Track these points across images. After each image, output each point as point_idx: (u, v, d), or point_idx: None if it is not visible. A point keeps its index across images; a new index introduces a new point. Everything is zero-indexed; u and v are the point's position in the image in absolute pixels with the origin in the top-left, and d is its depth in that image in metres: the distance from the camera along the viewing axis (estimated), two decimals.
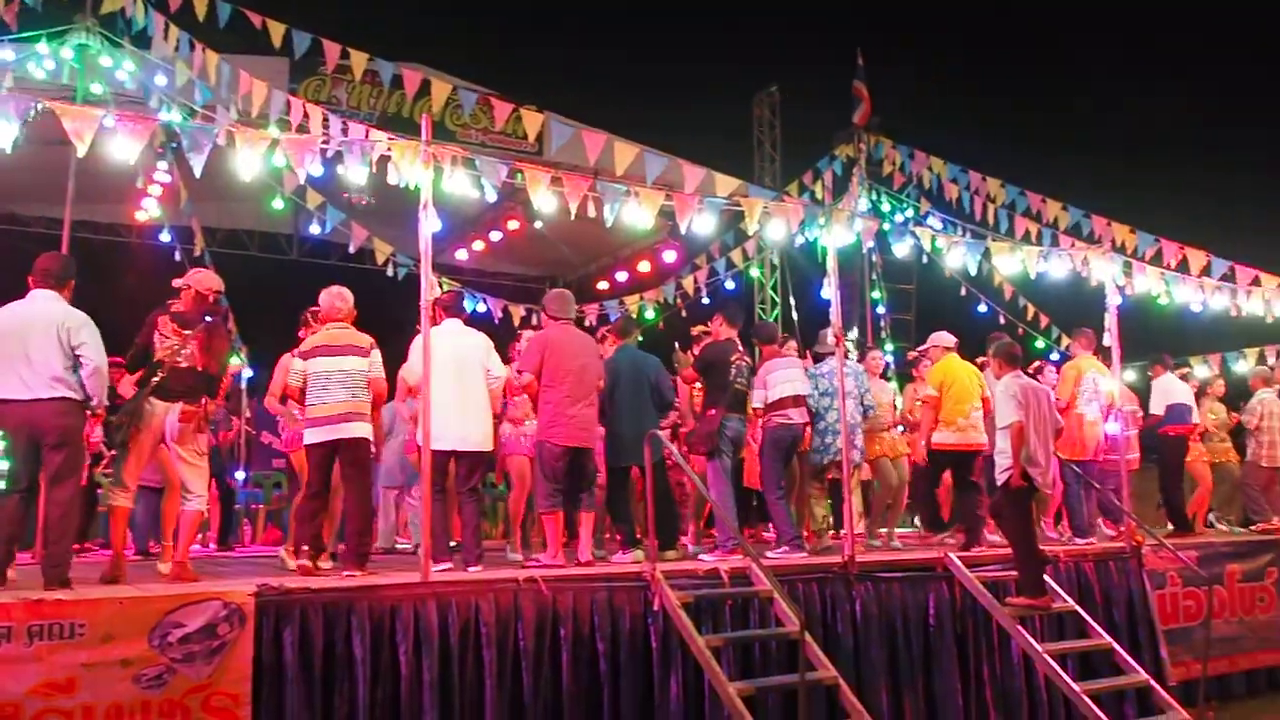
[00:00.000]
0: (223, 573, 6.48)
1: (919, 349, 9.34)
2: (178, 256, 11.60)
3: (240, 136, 5.69)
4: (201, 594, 4.59)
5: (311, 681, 4.78)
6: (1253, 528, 9.86)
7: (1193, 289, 8.97)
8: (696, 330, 8.91)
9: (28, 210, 13.87)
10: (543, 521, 6.93)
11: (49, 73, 9.23)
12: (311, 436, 6.25)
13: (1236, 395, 10.96)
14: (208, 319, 5.92)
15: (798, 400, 7.59)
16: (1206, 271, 9.00)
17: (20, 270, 5.59)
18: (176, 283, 6.11)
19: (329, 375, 6.19)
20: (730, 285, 13.15)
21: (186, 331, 5.83)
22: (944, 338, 8.51)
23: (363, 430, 6.24)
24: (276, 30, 8.10)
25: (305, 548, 6.41)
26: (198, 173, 5.53)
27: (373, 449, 6.70)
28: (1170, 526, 9.55)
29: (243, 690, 4.52)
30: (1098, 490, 8.67)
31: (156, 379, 5.74)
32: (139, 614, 4.40)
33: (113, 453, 6.26)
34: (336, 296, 6.45)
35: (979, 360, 9.10)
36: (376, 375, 6.37)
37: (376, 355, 6.37)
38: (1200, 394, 10.62)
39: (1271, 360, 11.08)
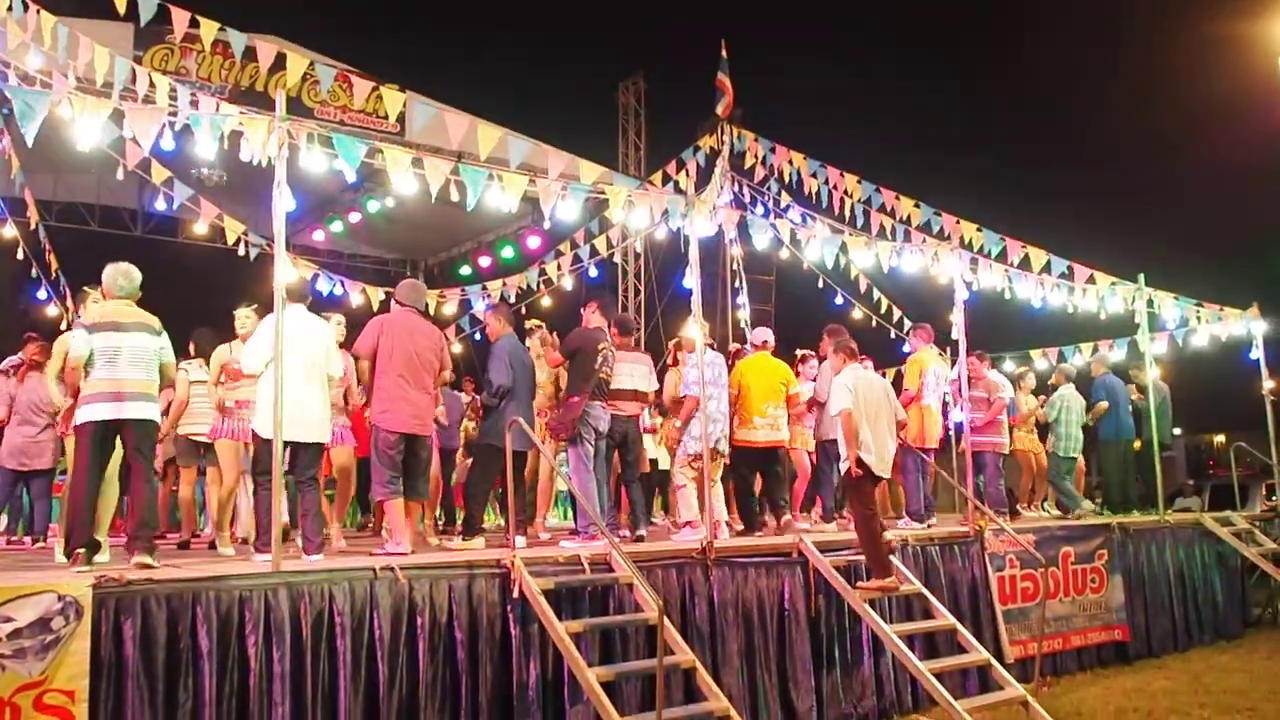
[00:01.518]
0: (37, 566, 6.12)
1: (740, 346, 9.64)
2: (9, 231, 10.88)
3: (79, 104, 5.37)
4: (33, 586, 4.32)
5: (154, 675, 4.57)
6: (1071, 515, 10.48)
7: (1034, 285, 9.48)
8: (530, 324, 8.96)
9: None
10: (383, 508, 6.84)
11: None
12: (90, 414, 5.72)
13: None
14: None
15: (636, 395, 7.81)
16: (1046, 269, 9.52)
17: None
18: None
19: (117, 351, 5.76)
20: (594, 273, 13.18)
21: None
22: (756, 334, 8.89)
23: (150, 412, 5.86)
24: None
25: (81, 551, 5.60)
26: (29, 141, 5.19)
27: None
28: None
29: (79, 686, 4.29)
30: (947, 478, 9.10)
31: None
32: None
33: None
34: (121, 273, 5.99)
35: (801, 354, 9.47)
36: (169, 359, 6.06)
37: (165, 338, 6.03)
38: (1014, 387, 11.26)
39: (1105, 353, 11.79)
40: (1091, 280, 9.90)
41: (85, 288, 6.91)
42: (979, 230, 9.60)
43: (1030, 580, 8.39)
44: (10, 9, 7.99)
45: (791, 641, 6.86)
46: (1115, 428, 11.12)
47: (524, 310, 12.63)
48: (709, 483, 7.52)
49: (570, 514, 11.52)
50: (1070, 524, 9.60)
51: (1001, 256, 9.41)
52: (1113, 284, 10.12)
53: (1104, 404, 11.08)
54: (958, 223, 9.76)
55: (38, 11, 7.90)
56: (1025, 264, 9.48)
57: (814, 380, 9.38)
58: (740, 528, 8.48)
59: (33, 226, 11.36)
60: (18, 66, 8.46)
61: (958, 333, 8.64)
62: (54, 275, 12.05)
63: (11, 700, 4.15)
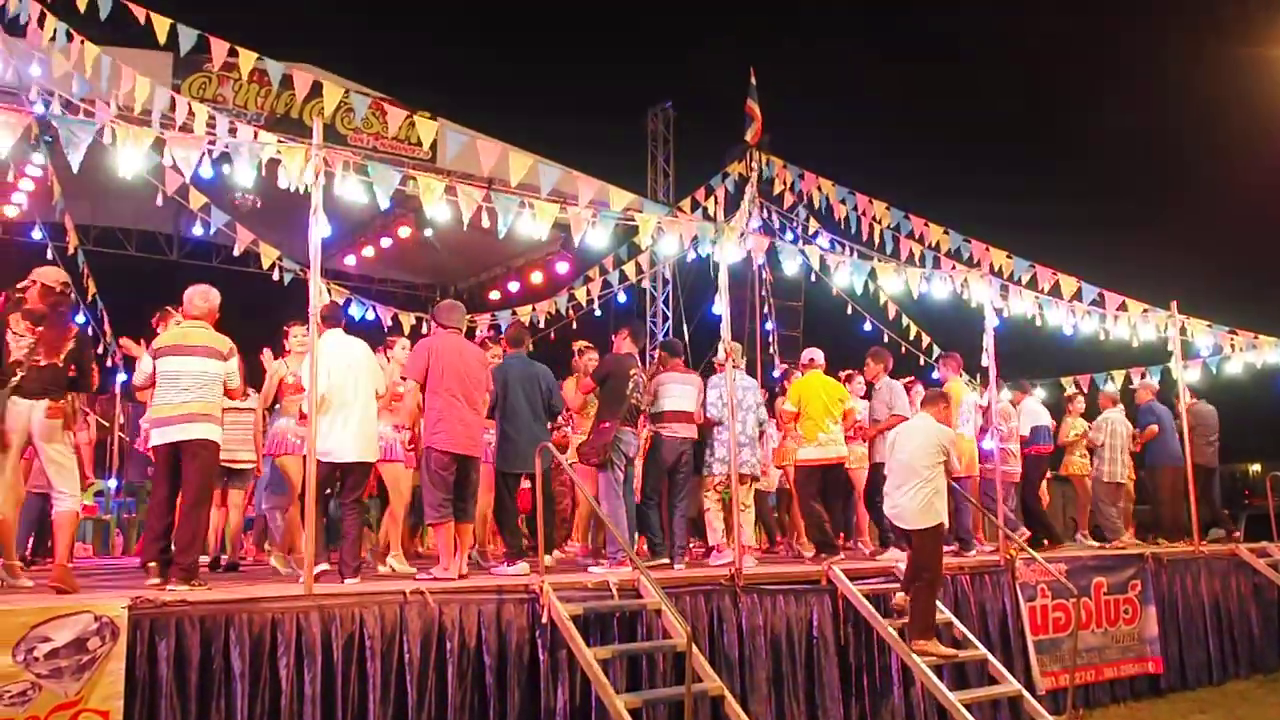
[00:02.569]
0: (96, 584, 6.20)
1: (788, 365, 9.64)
2: (50, 254, 11.09)
3: (122, 133, 5.50)
4: (71, 607, 4.39)
5: (187, 697, 4.62)
6: (1108, 545, 10.37)
7: (1065, 312, 9.43)
8: (577, 345, 8.95)
9: None
10: (433, 531, 6.84)
11: None
12: (155, 438, 5.92)
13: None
14: (55, 312, 5.75)
15: (684, 415, 7.75)
16: (1078, 296, 9.47)
17: None
18: (20, 285, 5.89)
19: (178, 375, 5.89)
20: (622, 298, 13.24)
21: (39, 328, 5.65)
22: (806, 353, 8.88)
23: (209, 433, 5.92)
24: (161, 25, 7.82)
25: (152, 564, 5.93)
26: (75, 168, 5.31)
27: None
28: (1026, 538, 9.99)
29: (114, 707, 4.34)
30: (975, 505, 9.03)
31: (16, 378, 5.54)
32: (3, 627, 4.19)
33: None
34: (199, 294, 6.15)
35: (846, 373, 9.46)
36: (234, 384, 6.16)
37: (235, 361, 6.14)
38: (1064, 411, 11.20)
39: (1138, 381, 11.69)
40: (1123, 308, 9.83)
41: (168, 307, 7.09)
42: (1009, 257, 9.57)
43: (1062, 610, 8.29)
44: (54, 39, 8.18)
45: (820, 670, 6.82)
46: (1159, 454, 10.97)
47: (552, 336, 12.71)
48: (742, 507, 7.52)
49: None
50: (1102, 554, 9.47)
51: (1032, 283, 9.38)
52: (1145, 311, 10.04)
53: (1154, 427, 10.95)
54: (987, 249, 9.74)
55: (81, 42, 8.09)
56: (1056, 291, 9.44)
57: (864, 398, 9.39)
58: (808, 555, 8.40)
59: (71, 251, 11.57)
60: (61, 95, 8.67)
61: (988, 360, 8.60)
62: (90, 299, 12.25)
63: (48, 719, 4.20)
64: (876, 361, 9.14)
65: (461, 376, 6.74)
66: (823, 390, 8.55)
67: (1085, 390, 12.05)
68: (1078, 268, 9.68)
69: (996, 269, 9.31)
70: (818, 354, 8.90)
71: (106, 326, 12.23)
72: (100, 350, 12.07)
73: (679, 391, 7.78)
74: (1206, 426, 11.17)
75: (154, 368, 5.98)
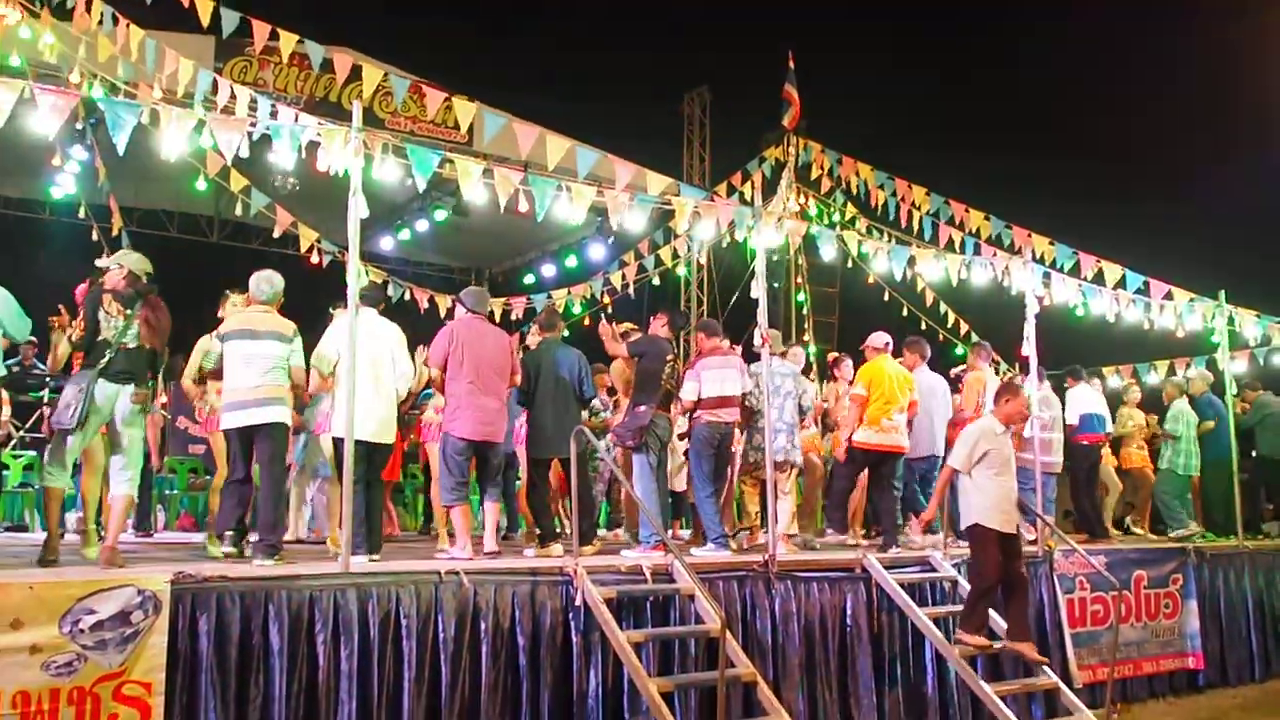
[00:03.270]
0: (138, 558, 6.30)
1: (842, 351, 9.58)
2: (95, 235, 11.25)
3: (166, 115, 5.55)
4: (116, 580, 4.46)
5: (226, 670, 4.68)
6: (1171, 535, 10.22)
7: (1108, 301, 9.28)
8: (622, 328, 8.92)
9: None
10: (449, 514, 6.91)
11: None
12: (228, 421, 6.15)
13: (1148, 406, 11.41)
14: (149, 297, 5.82)
15: (730, 401, 7.60)
16: (1122, 284, 9.32)
17: None
18: (101, 262, 5.98)
19: (248, 358, 6.07)
20: (656, 282, 13.21)
21: (129, 311, 5.70)
22: (878, 338, 8.68)
23: (280, 415, 6.13)
24: (204, 7, 7.89)
25: (229, 533, 6.36)
26: (120, 150, 5.37)
27: (290, 436, 6.64)
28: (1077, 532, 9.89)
29: (156, 679, 4.41)
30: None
31: (105, 360, 5.62)
32: (50, 599, 4.26)
33: (20, 434, 6.07)
34: (265, 280, 6.34)
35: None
36: (298, 363, 6.28)
37: (299, 342, 6.28)
38: (1119, 402, 11.03)
39: (1185, 373, 11.51)
40: (1169, 296, 9.66)
41: (227, 290, 7.24)
42: (1051, 244, 9.44)
43: (1101, 603, 8.20)
44: (101, 23, 8.28)
45: (853, 658, 6.79)
46: (1218, 448, 10.77)
47: (587, 320, 12.72)
48: (779, 494, 7.49)
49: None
50: (1144, 547, 9.36)
51: (1074, 270, 9.24)
52: (1191, 300, 9.86)
53: (1211, 423, 10.77)
54: (1029, 236, 9.61)
55: (126, 25, 8.18)
56: (1099, 279, 9.29)
57: None
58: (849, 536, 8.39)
59: (115, 233, 11.72)
60: (105, 78, 8.77)
61: (1028, 348, 8.49)
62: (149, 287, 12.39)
63: (92, 690, 4.28)
64: (913, 351, 9.02)
65: (482, 363, 6.79)
66: (895, 376, 8.36)
67: (1129, 382, 11.89)
68: (1126, 255, 9.52)
69: (1038, 256, 9.17)
70: (885, 337, 8.66)
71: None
72: None
73: (719, 376, 7.58)
74: (1277, 418, 10.97)
75: (222, 351, 6.15)
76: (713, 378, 7.55)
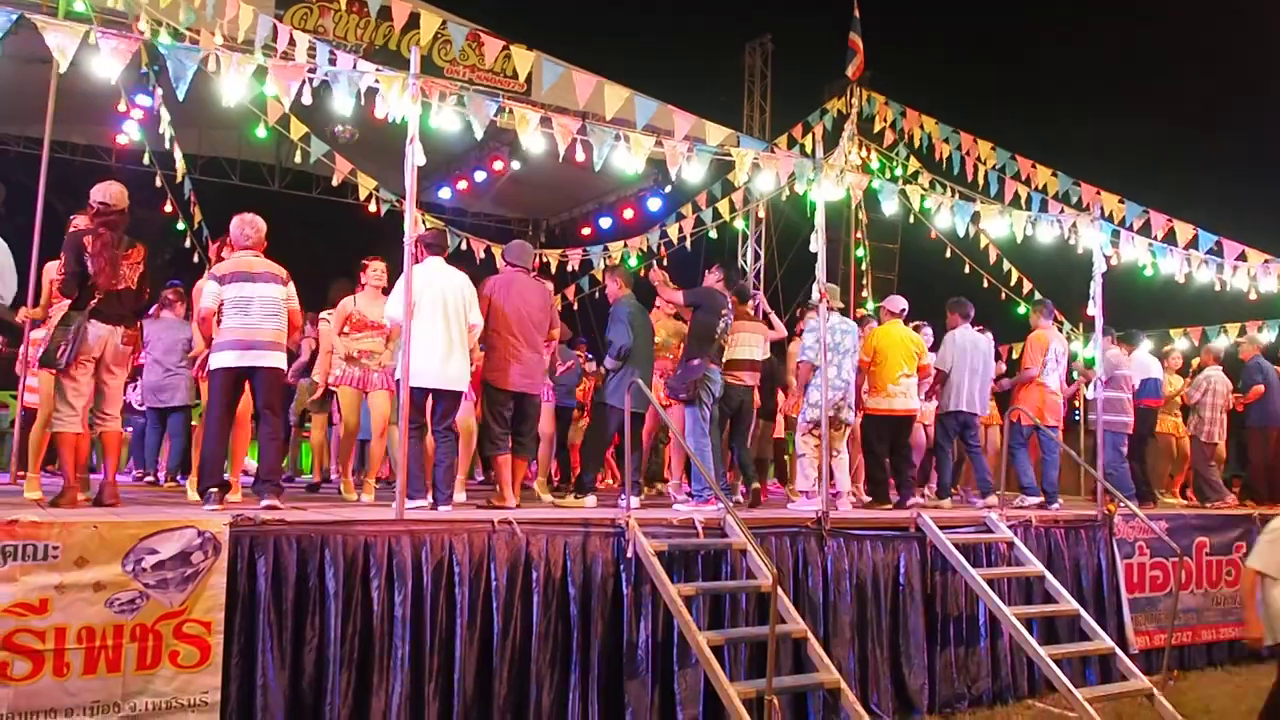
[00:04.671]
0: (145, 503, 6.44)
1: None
2: (159, 182, 11.41)
3: (226, 61, 5.55)
4: (176, 521, 4.55)
5: (283, 613, 4.77)
6: (1207, 505, 10.02)
7: (1179, 261, 8.99)
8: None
9: (4, 129, 13.63)
10: (493, 464, 6.96)
11: None
12: (221, 360, 5.91)
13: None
14: (115, 233, 5.75)
15: (752, 364, 7.84)
16: (1194, 244, 9.02)
17: None
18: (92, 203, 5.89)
19: (248, 300, 5.92)
20: (714, 235, 13.08)
21: (115, 250, 5.68)
22: (895, 302, 8.67)
23: (278, 360, 6.01)
24: None
25: (214, 490, 5.87)
26: (181, 96, 5.39)
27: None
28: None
29: (215, 619, 4.51)
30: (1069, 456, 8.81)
31: (94, 301, 5.62)
32: (113, 538, 4.36)
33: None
34: (247, 223, 6.15)
35: (914, 324, 9.24)
36: (295, 306, 6.22)
37: (292, 286, 6.18)
38: (1160, 367, 10.78)
39: (1260, 335, 11.15)
40: (1243, 257, 9.33)
41: (364, 260, 7.43)
42: (1121, 202, 9.14)
43: (1160, 569, 8.05)
44: None
45: (905, 617, 6.74)
46: (1263, 414, 10.51)
47: (643, 273, 12.65)
48: (835, 452, 7.44)
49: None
50: (1207, 513, 9.15)
51: (1145, 229, 8.96)
52: (1266, 261, 9.51)
53: (1260, 387, 10.47)
54: (1098, 193, 9.30)
55: None
56: (1170, 238, 9.00)
57: (932, 349, 9.20)
58: (867, 499, 8.36)
59: (179, 180, 11.87)
60: (169, 24, 8.82)
61: (1095, 308, 8.27)
62: (197, 226, 12.58)
63: (154, 627, 4.38)
64: (953, 311, 8.87)
65: (522, 316, 6.82)
66: (900, 341, 8.37)
67: (1196, 344, 11.58)
68: (1197, 214, 9.20)
69: (1107, 214, 8.89)
70: (904, 303, 8.70)
71: (211, 254, 12.56)
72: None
73: (747, 339, 7.83)
74: None
75: (220, 293, 5.95)
76: (742, 340, 7.79)
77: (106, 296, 5.66)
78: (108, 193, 5.88)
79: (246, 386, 6.07)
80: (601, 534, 5.76)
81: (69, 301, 5.71)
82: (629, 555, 5.70)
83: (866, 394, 8.30)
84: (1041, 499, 8.53)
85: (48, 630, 4.18)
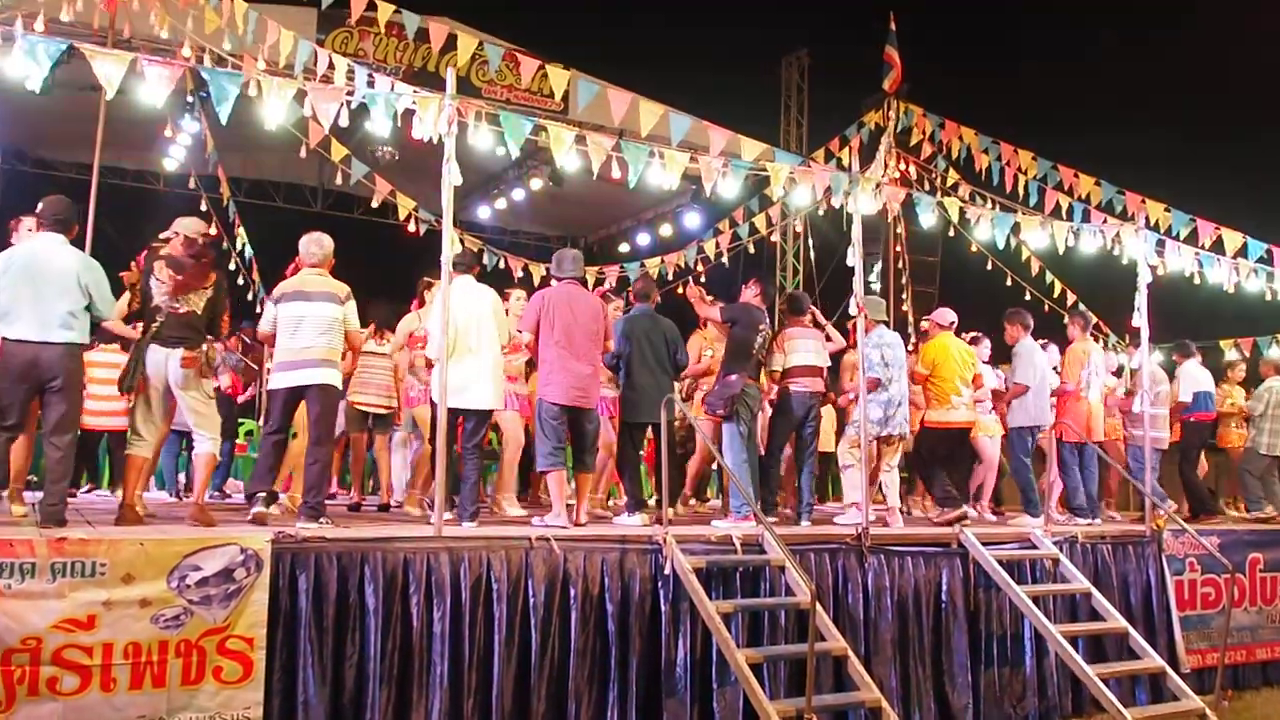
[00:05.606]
0: (240, 519, 6.53)
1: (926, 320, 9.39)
2: (204, 206, 11.63)
3: (267, 85, 5.66)
4: (220, 538, 4.62)
5: (324, 629, 4.82)
6: (1249, 514, 9.81)
7: (1227, 270, 8.82)
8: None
9: (56, 155, 13.96)
10: (545, 480, 6.97)
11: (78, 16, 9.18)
12: (276, 381, 6.12)
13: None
14: (197, 262, 5.89)
15: (813, 370, 7.68)
16: (1243, 253, 8.84)
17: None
18: (164, 235, 6.08)
19: (300, 319, 6.07)
20: (751, 250, 13.05)
21: (179, 277, 5.82)
22: (944, 315, 8.57)
23: (330, 377, 6.12)
24: None
25: (259, 496, 6.16)
26: (223, 120, 5.49)
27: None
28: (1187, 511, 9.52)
29: (258, 635, 4.57)
30: (1114, 470, 8.66)
31: (155, 325, 5.75)
32: (159, 555, 4.44)
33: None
34: (314, 241, 6.33)
35: (971, 335, 9.14)
36: (353, 326, 6.32)
37: (352, 304, 6.29)
38: (1220, 378, 10.57)
39: None
40: None
41: (426, 278, 7.56)
42: (1167, 210, 8.99)
43: (1212, 586, 7.87)
44: None
45: (948, 635, 6.65)
46: None
47: (680, 289, 12.65)
48: (885, 467, 7.38)
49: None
50: (1261, 528, 8.93)
51: (1191, 238, 8.80)
52: None
53: None
54: (1143, 202, 9.16)
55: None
56: (1218, 247, 8.83)
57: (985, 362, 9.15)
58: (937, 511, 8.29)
59: (224, 203, 12.09)
60: (212, 50, 9.00)
61: (1140, 319, 8.14)
62: (241, 248, 12.80)
63: (198, 643, 4.45)
64: (1013, 324, 8.78)
65: (572, 329, 6.80)
66: (958, 353, 8.31)
67: (1247, 355, 11.34)
68: (1245, 223, 9.02)
69: (1152, 222, 8.76)
70: (952, 315, 8.62)
71: (255, 275, 12.77)
72: (250, 298, 12.65)
73: (806, 346, 7.74)
74: None
75: (275, 314, 6.16)
76: (800, 347, 7.70)
77: (168, 320, 5.79)
78: (181, 222, 6.08)
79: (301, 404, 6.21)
80: (639, 550, 5.75)
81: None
82: (666, 572, 5.69)
83: (924, 406, 8.24)
84: (1091, 520, 8.41)
85: (95, 646, 4.26)
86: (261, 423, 9.49)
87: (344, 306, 6.21)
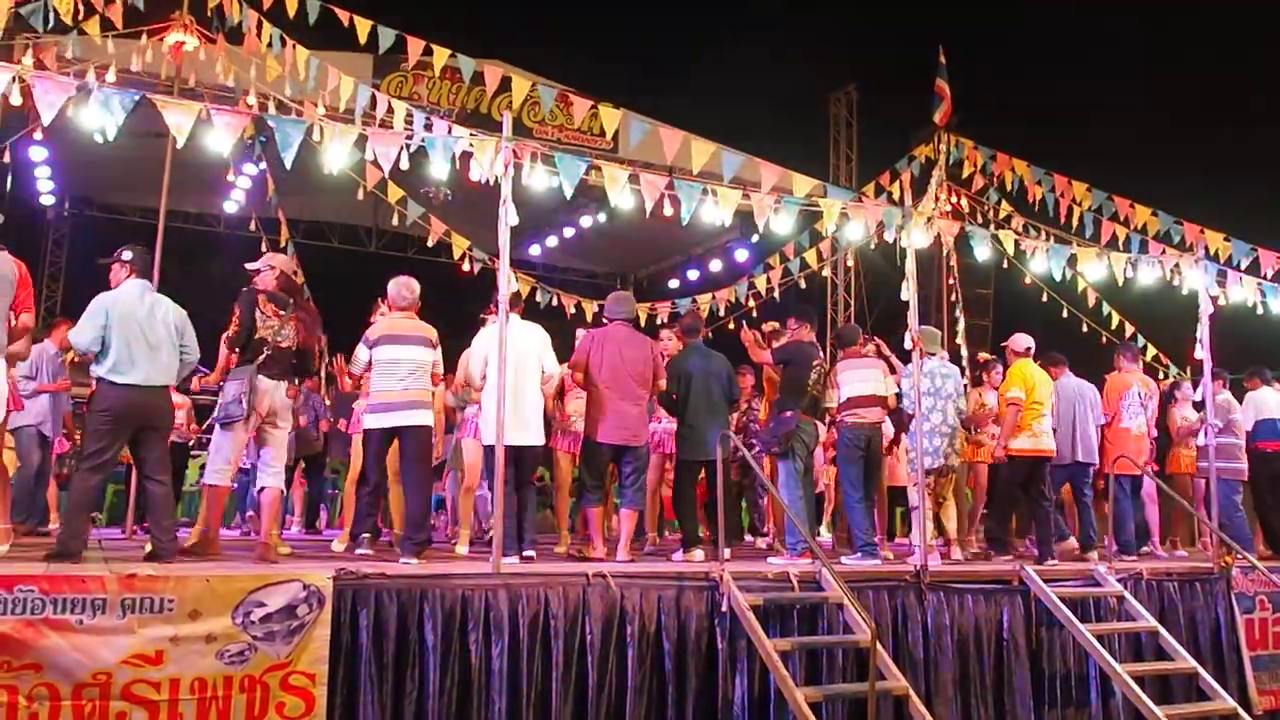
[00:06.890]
0: (302, 555, 6.64)
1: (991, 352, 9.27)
2: (264, 247, 11.90)
3: (329, 130, 5.81)
4: (283, 575, 4.69)
5: (384, 665, 4.86)
6: None
7: None
8: (769, 328, 8.84)
9: (123, 200, 14.41)
10: (587, 515, 7.01)
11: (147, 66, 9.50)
12: (372, 422, 6.34)
13: None
14: (302, 299, 6.15)
15: (871, 400, 7.54)
16: None
17: None
18: (251, 266, 6.25)
19: (395, 362, 6.25)
20: (803, 285, 13.04)
21: (283, 312, 5.99)
22: (1022, 340, 8.40)
23: (425, 418, 6.30)
24: (363, 26, 8.23)
25: (365, 536, 6.54)
26: (287, 165, 5.64)
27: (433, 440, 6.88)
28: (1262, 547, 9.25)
29: (320, 670, 4.62)
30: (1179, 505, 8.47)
31: (262, 358, 5.91)
32: (224, 592, 4.52)
33: (199, 435, 6.45)
34: (404, 286, 6.50)
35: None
36: (439, 370, 6.55)
37: (439, 350, 6.49)
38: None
39: None
40: None
41: (380, 299, 7.52)
42: (1226, 239, 8.85)
43: None
44: (270, 45, 8.75)
45: (1010, 674, 6.52)
46: None
47: (731, 324, 12.65)
48: (940, 500, 7.30)
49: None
50: None
51: (1254, 268, 8.64)
52: None
53: None
54: (1202, 232, 9.03)
55: (293, 46, 8.61)
56: None
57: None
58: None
59: (283, 244, 12.36)
60: (275, 96, 9.26)
61: (1202, 351, 7.99)
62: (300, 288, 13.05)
63: (262, 679, 4.51)
64: (1052, 364, 8.65)
65: (620, 368, 6.85)
66: (1040, 379, 8.16)
67: None
68: None
69: (1213, 253, 8.62)
70: (1028, 340, 8.42)
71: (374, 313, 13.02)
72: None
73: (862, 375, 7.59)
74: None
75: (370, 356, 6.33)
76: (853, 378, 7.58)
77: (274, 353, 5.96)
78: (276, 257, 6.38)
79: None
80: (695, 588, 5.73)
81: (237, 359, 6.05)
82: (723, 609, 5.66)
83: (1015, 433, 8.03)
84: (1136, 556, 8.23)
85: (163, 681, 4.33)
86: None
87: (435, 351, 6.44)
